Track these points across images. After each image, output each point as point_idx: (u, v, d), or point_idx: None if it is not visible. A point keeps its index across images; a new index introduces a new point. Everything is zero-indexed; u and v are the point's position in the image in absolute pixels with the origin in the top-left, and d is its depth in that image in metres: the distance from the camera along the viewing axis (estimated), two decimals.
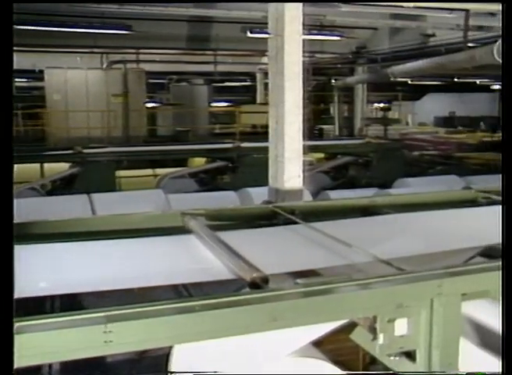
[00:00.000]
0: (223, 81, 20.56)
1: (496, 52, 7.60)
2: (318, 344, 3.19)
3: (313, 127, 17.33)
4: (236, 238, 3.31)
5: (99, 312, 2.02)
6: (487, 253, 3.16)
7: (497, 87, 27.23)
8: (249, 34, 10.36)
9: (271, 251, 3.24)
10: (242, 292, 2.29)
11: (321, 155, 11.81)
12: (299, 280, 2.45)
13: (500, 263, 2.69)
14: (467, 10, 7.39)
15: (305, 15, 5.72)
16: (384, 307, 2.42)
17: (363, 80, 14.89)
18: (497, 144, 16.33)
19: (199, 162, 10.84)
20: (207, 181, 10.13)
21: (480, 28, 8.76)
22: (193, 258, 3.09)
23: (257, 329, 2.26)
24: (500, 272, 2.55)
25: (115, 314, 2.02)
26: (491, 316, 3.44)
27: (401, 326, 2.50)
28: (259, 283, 2.50)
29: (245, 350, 2.71)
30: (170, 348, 2.77)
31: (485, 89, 27.86)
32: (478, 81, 22.76)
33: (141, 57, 17.03)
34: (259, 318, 2.24)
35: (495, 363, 3.27)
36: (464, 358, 3.02)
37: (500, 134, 20.71)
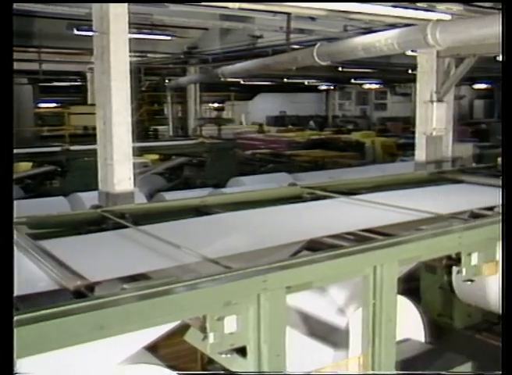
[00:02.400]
0: (51, 81, 19.61)
1: (315, 54, 8.04)
2: (153, 349, 3.15)
3: (147, 128, 17.15)
4: (61, 246, 3.16)
5: None
6: (311, 246, 3.30)
7: (324, 87, 28.82)
8: (76, 32, 9.93)
9: (98, 257, 3.13)
10: (64, 302, 2.17)
11: (156, 157, 11.70)
12: (126, 285, 2.39)
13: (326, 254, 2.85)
14: (288, 13, 7.73)
15: (132, 13, 5.61)
16: (212, 306, 2.45)
17: (195, 80, 15.01)
18: (324, 142, 17.32)
19: (25, 167, 10.22)
20: (33, 187, 9.58)
21: (302, 31, 9.22)
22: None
23: (83, 339, 2.17)
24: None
25: None
26: (316, 306, 3.62)
27: (231, 324, 2.54)
28: (83, 292, 2.40)
29: (74, 362, 2.59)
30: None
31: (313, 89, 29.39)
32: (306, 82, 23.91)
33: None
34: (84, 328, 2.14)
35: (324, 350, 3.46)
36: (294, 349, 3.15)
37: (327, 132, 22.01)
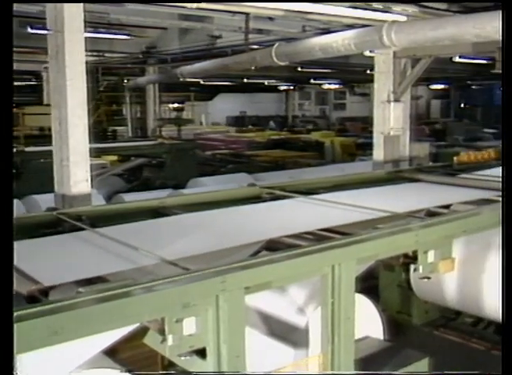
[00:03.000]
0: None
1: (274, 54, 8.07)
2: (111, 353, 3.10)
3: (106, 129, 16.92)
4: (15, 250, 3.08)
5: None
6: (270, 246, 3.30)
7: (284, 87, 28.93)
8: (30, 30, 9.71)
9: (53, 260, 3.06)
10: (17, 308, 2.12)
11: (115, 158, 11.56)
12: (81, 289, 2.35)
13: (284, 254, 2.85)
14: (247, 13, 7.73)
15: (87, 12, 5.52)
16: (171, 308, 2.42)
17: (153, 80, 14.89)
18: (284, 142, 17.40)
19: None
20: None
21: (260, 31, 9.24)
22: None
23: (37, 345, 2.12)
24: None
25: None
26: (275, 306, 3.63)
27: (190, 325, 2.52)
28: (37, 297, 2.35)
29: (27, 370, 2.54)
30: None
31: (274, 90, 29.47)
32: (266, 82, 23.96)
33: None
34: (38, 333, 2.09)
35: (284, 350, 3.46)
36: (254, 349, 3.14)
37: (287, 132, 22.11)
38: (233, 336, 2.60)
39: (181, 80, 12.21)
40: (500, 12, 5.50)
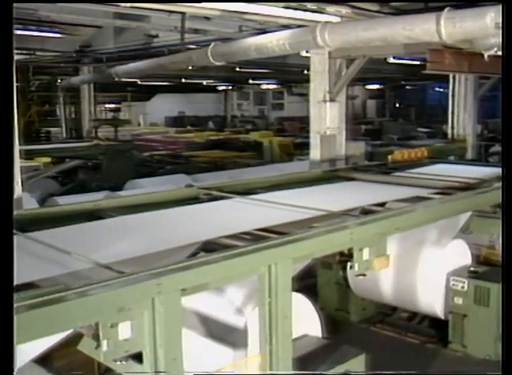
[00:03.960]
0: None
1: (210, 54, 8.05)
2: (44, 361, 3.02)
3: (38, 130, 16.45)
4: None
5: None
6: (207, 247, 3.28)
7: (222, 87, 28.88)
8: None
9: None
10: None
11: (49, 160, 11.24)
12: None
13: (221, 254, 2.83)
14: (183, 13, 7.66)
15: (16, 9, 5.33)
16: (105, 313, 2.38)
17: (88, 80, 14.56)
18: (223, 142, 17.38)
19: None
20: None
21: (196, 31, 9.18)
22: None
23: None
24: None
25: None
26: (214, 307, 3.61)
27: (126, 330, 2.47)
28: None
29: None
30: None
31: (212, 90, 29.38)
32: (204, 82, 23.85)
33: None
34: None
35: (223, 351, 3.45)
36: (193, 351, 3.12)
37: (226, 132, 22.10)
38: (170, 339, 2.58)
39: (117, 80, 12.00)
40: (430, 14, 5.67)
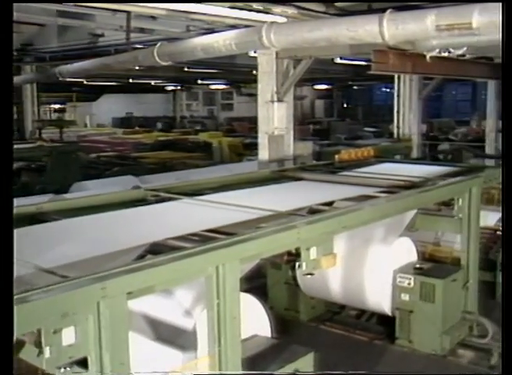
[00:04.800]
0: None
1: (156, 54, 7.97)
2: None
3: None
4: None
5: None
6: (154, 249, 3.24)
7: (171, 88, 28.65)
8: None
9: None
10: None
11: None
12: None
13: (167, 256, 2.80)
14: (128, 12, 7.56)
15: None
16: (47, 318, 2.32)
17: (30, 79, 14.20)
18: (172, 143, 17.26)
19: None
20: None
21: (142, 30, 9.07)
22: None
23: None
24: None
25: None
26: (162, 310, 3.57)
27: (69, 336, 2.42)
28: None
29: None
30: None
31: (161, 90, 29.12)
32: (152, 82, 23.60)
33: None
34: None
35: (172, 353, 3.41)
36: (141, 355, 3.07)
37: (175, 133, 21.95)
38: (117, 343, 2.53)
39: (61, 79, 11.74)
40: (373, 16, 5.76)
